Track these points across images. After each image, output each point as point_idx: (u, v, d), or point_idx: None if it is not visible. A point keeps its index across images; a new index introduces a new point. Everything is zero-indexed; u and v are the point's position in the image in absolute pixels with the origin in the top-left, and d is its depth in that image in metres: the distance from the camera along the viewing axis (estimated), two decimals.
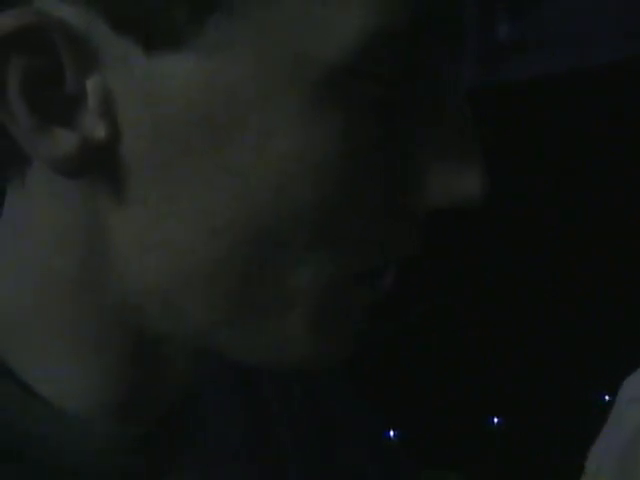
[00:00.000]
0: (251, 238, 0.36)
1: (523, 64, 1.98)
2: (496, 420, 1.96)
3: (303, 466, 0.53)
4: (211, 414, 0.48)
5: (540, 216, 2.00)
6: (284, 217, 0.35)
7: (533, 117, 1.99)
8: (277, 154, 0.35)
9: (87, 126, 0.35)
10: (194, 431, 0.46)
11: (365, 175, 0.36)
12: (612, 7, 1.89)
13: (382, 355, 2.00)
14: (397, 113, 0.36)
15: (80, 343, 0.40)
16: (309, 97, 0.34)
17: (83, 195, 0.37)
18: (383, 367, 2.00)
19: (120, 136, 0.35)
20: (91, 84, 0.35)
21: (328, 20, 0.33)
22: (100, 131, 0.35)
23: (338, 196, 0.36)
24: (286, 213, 0.35)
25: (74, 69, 0.34)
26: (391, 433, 1.94)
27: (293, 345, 0.39)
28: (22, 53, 0.34)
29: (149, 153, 0.35)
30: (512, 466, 1.90)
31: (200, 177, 0.35)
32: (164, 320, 0.39)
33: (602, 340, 1.87)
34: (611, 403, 0.44)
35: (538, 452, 1.84)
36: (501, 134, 2.01)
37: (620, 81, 1.90)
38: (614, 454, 0.40)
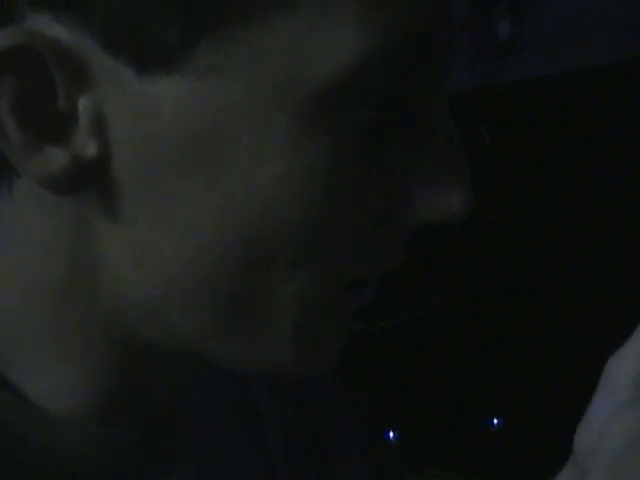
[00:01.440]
0: (238, 255, 0.37)
1: (523, 64, 1.98)
2: (496, 421, 1.96)
3: (294, 470, 0.53)
4: (201, 417, 0.49)
5: (540, 216, 2.00)
6: (271, 235, 0.36)
7: (533, 117, 1.99)
8: (265, 176, 0.35)
9: (78, 144, 0.35)
10: (184, 434, 0.46)
11: (352, 195, 0.37)
12: (612, 7, 1.89)
13: (382, 356, 2.00)
14: (384, 134, 0.37)
15: (67, 350, 0.40)
16: (298, 120, 0.35)
17: (72, 210, 0.38)
18: (383, 368, 2.00)
19: (111, 154, 0.36)
20: (83, 103, 0.35)
21: (317, 46, 0.34)
22: (91, 149, 0.35)
23: (325, 216, 0.36)
24: (273, 232, 0.36)
25: (66, 88, 0.35)
26: (391, 434, 1.94)
27: (279, 356, 0.40)
28: (14, 72, 0.34)
29: (139, 171, 0.36)
30: (512, 467, 1.89)
31: (189, 195, 0.36)
32: (151, 331, 0.40)
33: (602, 341, 1.87)
34: None
35: (538, 453, 1.84)
36: (501, 134, 2.01)
37: (620, 81, 1.90)
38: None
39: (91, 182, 0.36)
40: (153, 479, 0.43)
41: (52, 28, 0.34)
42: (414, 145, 0.38)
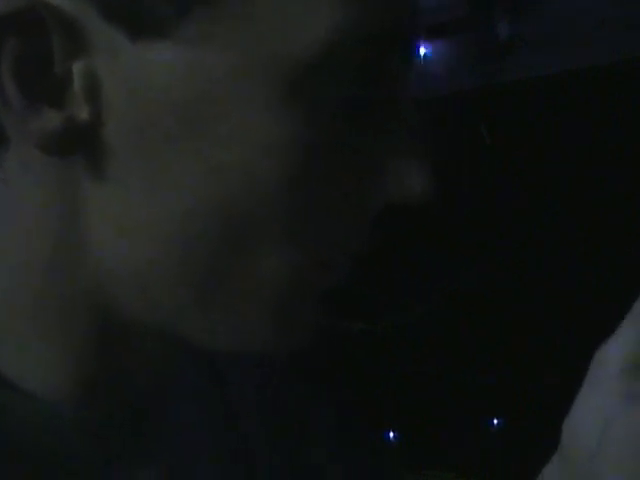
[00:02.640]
0: (219, 225, 0.38)
1: (523, 64, 1.98)
2: (496, 421, 1.96)
3: (271, 460, 0.55)
4: (179, 405, 0.49)
5: (540, 216, 2.00)
6: (252, 204, 0.38)
7: (533, 117, 1.99)
8: (248, 144, 0.37)
9: (73, 107, 0.37)
10: (161, 421, 0.47)
11: (329, 170, 0.39)
12: (612, 7, 1.89)
13: (381, 356, 2.00)
14: (356, 114, 0.39)
15: (48, 325, 0.41)
16: (277, 93, 0.37)
17: (62, 178, 0.39)
18: (383, 368, 2.00)
19: (103, 119, 0.37)
20: (78, 68, 0.36)
21: (301, 20, 0.36)
22: (84, 112, 0.37)
23: (304, 188, 0.38)
24: (254, 200, 0.38)
25: (63, 53, 0.36)
26: (391, 434, 1.94)
27: (256, 331, 0.41)
28: (15, 35, 0.35)
29: (129, 137, 0.37)
30: (512, 467, 1.89)
31: (176, 162, 0.37)
32: (133, 304, 0.41)
33: (602, 341, 1.87)
34: None
35: (538, 453, 1.84)
36: (501, 134, 2.01)
37: (621, 81, 1.90)
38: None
39: (83, 145, 0.38)
40: (128, 463, 0.44)
41: None
42: (382, 129, 0.40)
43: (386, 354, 2.01)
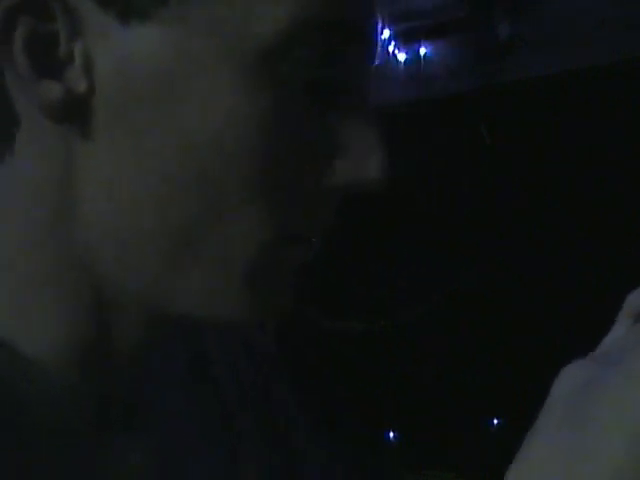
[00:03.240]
0: (195, 186, 0.43)
1: (523, 64, 1.98)
2: (495, 422, 1.96)
3: (254, 445, 0.58)
4: (170, 390, 0.54)
5: (539, 216, 2.00)
6: (221, 171, 0.43)
7: (533, 117, 1.99)
8: (218, 111, 0.42)
9: (72, 81, 0.43)
10: (148, 399, 0.51)
11: (291, 145, 0.44)
12: (612, 7, 1.89)
13: (381, 356, 2.00)
14: (322, 96, 0.44)
15: (42, 292, 0.46)
16: (244, 70, 0.42)
17: (60, 148, 0.44)
18: (382, 368, 2.00)
19: (95, 92, 0.43)
20: (78, 48, 0.43)
21: (264, 10, 0.42)
22: (82, 85, 0.43)
23: (267, 160, 0.43)
24: (224, 166, 0.43)
25: (67, 35, 0.43)
26: (391, 434, 1.94)
27: (230, 298, 0.46)
28: (28, 17, 0.42)
29: (116, 106, 0.43)
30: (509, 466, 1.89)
31: (156, 129, 0.43)
32: (118, 271, 0.46)
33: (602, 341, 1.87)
34: None
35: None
36: (501, 134, 2.01)
37: (620, 81, 1.90)
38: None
39: (78, 115, 0.44)
40: (114, 438, 0.48)
41: None
42: (343, 113, 0.45)
43: (386, 354, 2.01)
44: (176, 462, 0.52)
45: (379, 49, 0.47)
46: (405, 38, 2.06)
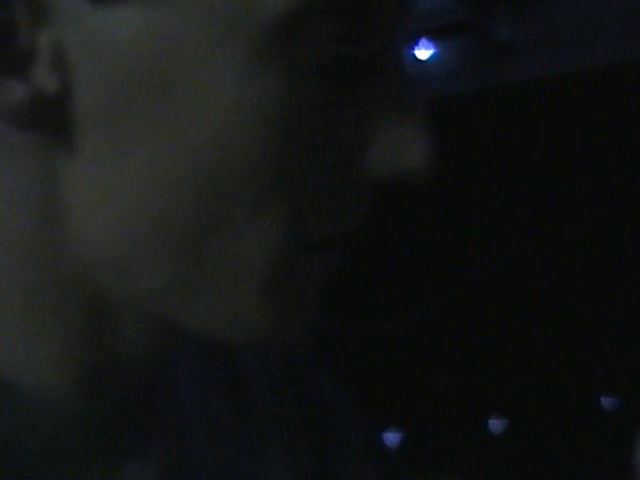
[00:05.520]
0: (197, 193, 0.36)
1: (522, 66, 1.98)
2: (496, 422, 1.97)
3: (288, 452, 0.52)
4: (185, 394, 0.47)
5: (539, 216, 2.00)
6: (228, 172, 0.36)
7: (532, 119, 1.99)
8: (220, 106, 0.35)
9: (38, 79, 0.35)
10: (165, 412, 0.45)
11: (309, 136, 0.36)
12: (612, 9, 1.89)
13: (382, 356, 2.00)
14: (344, 74, 0.36)
15: (36, 313, 0.40)
16: (250, 53, 0.34)
17: (38, 157, 0.37)
18: (383, 369, 2.00)
19: (71, 90, 0.36)
20: (43, 39, 0.35)
21: None
22: (51, 84, 0.35)
23: (281, 154, 0.36)
24: (230, 168, 0.36)
25: (27, 24, 0.35)
26: (391, 435, 1.94)
27: (246, 316, 0.39)
28: None
29: (99, 107, 0.36)
30: (512, 468, 1.90)
31: (147, 130, 0.36)
32: (116, 284, 0.39)
33: (602, 341, 1.87)
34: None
35: (538, 454, 1.84)
36: (501, 136, 2.01)
37: (620, 83, 1.90)
38: None
39: (53, 119, 0.36)
40: (129, 458, 0.42)
41: None
42: (371, 92, 0.37)
43: (386, 354, 2.01)
44: None
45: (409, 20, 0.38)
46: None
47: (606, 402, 1.86)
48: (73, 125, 0.36)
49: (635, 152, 1.87)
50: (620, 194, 1.92)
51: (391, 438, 1.94)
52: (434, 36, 2.03)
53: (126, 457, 0.42)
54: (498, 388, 1.97)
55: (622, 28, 1.88)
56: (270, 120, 0.35)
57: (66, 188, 0.37)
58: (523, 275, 1.99)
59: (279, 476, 0.51)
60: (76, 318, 0.40)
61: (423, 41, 2.04)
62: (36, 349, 0.40)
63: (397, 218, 1.94)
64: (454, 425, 1.96)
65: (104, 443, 0.41)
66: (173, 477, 0.44)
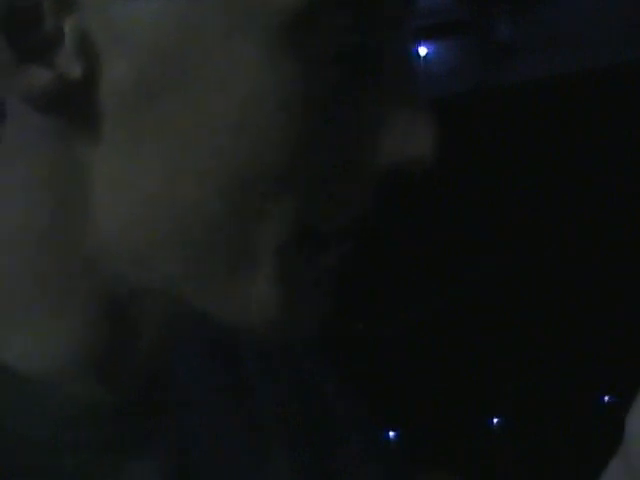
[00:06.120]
0: (216, 182, 0.37)
1: (522, 66, 1.98)
2: (495, 420, 1.97)
3: (286, 447, 0.52)
4: (188, 392, 0.48)
5: (539, 216, 2.00)
6: (248, 159, 0.37)
7: (532, 119, 1.99)
8: (239, 94, 0.36)
9: (63, 64, 0.36)
10: (168, 408, 0.45)
11: (325, 122, 0.37)
12: (611, 9, 1.89)
13: (381, 355, 2.00)
14: (351, 67, 0.38)
15: (51, 303, 0.40)
16: (267, 43, 0.36)
17: (60, 144, 0.38)
18: (382, 367, 2.00)
19: (95, 76, 0.36)
20: (68, 24, 0.36)
21: None
22: (75, 70, 0.36)
23: (298, 142, 0.37)
24: (250, 155, 0.37)
25: (53, 10, 0.36)
26: (390, 433, 1.94)
27: (260, 306, 0.39)
28: None
29: (122, 94, 0.37)
30: (511, 467, 1.90)
31: (168, 118, 0.37)
32: (134, 271, 0.40)
33: (602, 340, 1.88)
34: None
35: (538, 452, 1.85)
36: (501, 136, 2.01)
37: (620, 83, 1.90)
38: None
39: (77, 106, 0.37)
40: (137, 449, 0.43)
41: None
42: (381, 80, 0.39)
43: (386, 354, 2.01)
44: None
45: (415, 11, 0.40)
46: None
47: (606, 402, 1.87)
48: (97, 111, 0.37)
49: (635, 152, 1.87)
50: (620, 194, 1.92)
51: (391, 438, 1.94)
52: (434, 35, 2.03)
53: (131, 452, 0.42)
54: (498, 388, 1.97)
55: (622, 28, 1.88)
56: (285, 109, 0.36)
57: (88, 175, 0.38)
58: (523, 275, 1.99)
59: (280, 474, 0.51)
60: (90, 306, 0.40)
61: (422, 40, 2.04)
62: (49, 336, 0.40)
63: (397, 218, 1.94)
64: (454, 425, 1.96)
65: (110, 437, 0.41)
66: (176, 474, 0.44)
